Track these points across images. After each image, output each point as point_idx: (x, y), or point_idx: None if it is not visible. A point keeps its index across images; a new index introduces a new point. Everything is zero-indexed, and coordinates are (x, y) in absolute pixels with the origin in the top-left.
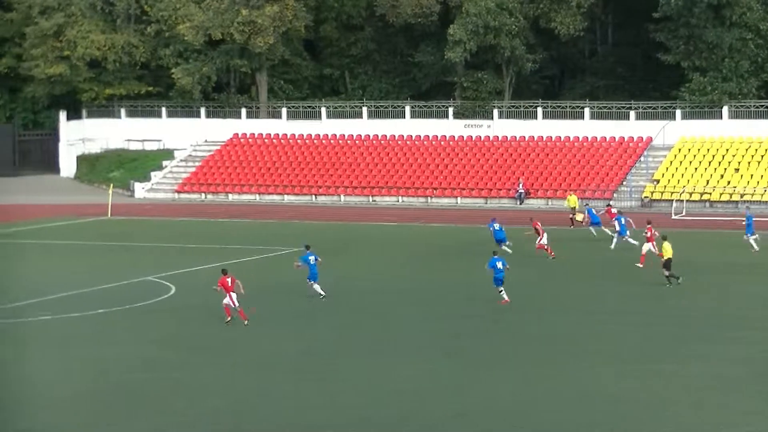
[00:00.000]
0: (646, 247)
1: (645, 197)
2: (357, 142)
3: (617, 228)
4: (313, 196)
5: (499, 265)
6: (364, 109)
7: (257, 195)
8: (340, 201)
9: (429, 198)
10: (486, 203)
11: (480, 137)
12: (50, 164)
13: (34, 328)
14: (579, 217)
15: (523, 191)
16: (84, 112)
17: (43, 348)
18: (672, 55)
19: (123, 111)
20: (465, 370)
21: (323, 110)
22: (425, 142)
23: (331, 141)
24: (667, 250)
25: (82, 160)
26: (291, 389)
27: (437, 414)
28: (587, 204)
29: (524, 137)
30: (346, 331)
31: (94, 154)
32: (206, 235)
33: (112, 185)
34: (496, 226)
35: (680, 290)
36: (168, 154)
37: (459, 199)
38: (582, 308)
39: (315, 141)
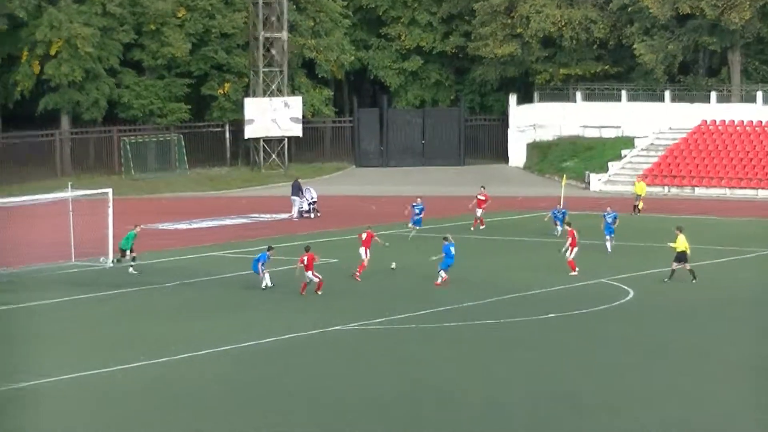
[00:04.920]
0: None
1: None
2: None
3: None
4: None
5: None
6: None
7: (727, 189)
8: None
9: None
10: None
11: None
12: (498, 152)
13: (475, 332)
14: (641, 204)
15: None
16: (535, 96)
17: (480, 352)
18: None
19: (578, 94)
20: None
21: None
22: None
23: None
24: (680, 243)
25: (532, 147)
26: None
27: None
28: None
29: None
30: None
31: (546, 142)
32: (667, 233)
33: (565, 176)
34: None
35: None
36: (628, 142)
37: None
38: None
39: None
